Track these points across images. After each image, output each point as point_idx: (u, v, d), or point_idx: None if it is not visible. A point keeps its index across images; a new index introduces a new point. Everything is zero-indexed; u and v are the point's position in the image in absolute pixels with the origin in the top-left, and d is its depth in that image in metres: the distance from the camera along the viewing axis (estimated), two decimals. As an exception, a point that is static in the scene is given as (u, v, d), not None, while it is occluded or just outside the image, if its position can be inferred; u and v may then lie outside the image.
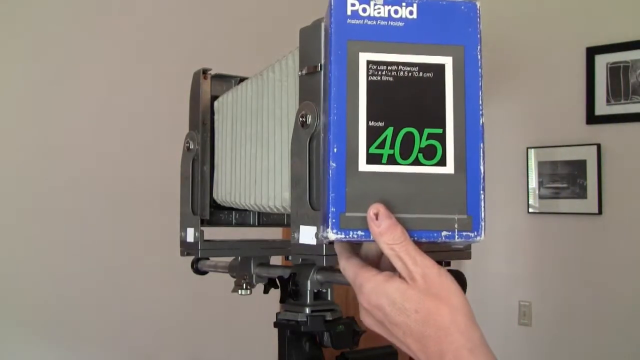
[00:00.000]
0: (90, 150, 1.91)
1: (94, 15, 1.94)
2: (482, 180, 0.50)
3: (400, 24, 0.53)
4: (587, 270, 2.88)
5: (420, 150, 0.50)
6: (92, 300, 1.88)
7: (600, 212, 2.86)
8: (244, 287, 1.07)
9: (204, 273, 1.16)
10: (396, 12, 0.53)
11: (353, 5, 0.54)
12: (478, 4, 0.53)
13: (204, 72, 1.07)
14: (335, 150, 0.51)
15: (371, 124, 0.51)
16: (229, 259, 1.11)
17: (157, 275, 2.00)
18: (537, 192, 3.08)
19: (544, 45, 3.08)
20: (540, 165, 3.07)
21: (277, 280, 1.01)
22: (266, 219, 1.12)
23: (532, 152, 3.08)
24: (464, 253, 0.93)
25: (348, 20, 0.54)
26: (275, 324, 0.98)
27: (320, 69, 0.78)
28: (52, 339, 1.82)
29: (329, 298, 0.99)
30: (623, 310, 2.79)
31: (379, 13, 0.54)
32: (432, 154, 0.50)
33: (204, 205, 1.04)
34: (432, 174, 0.50)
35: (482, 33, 0.53)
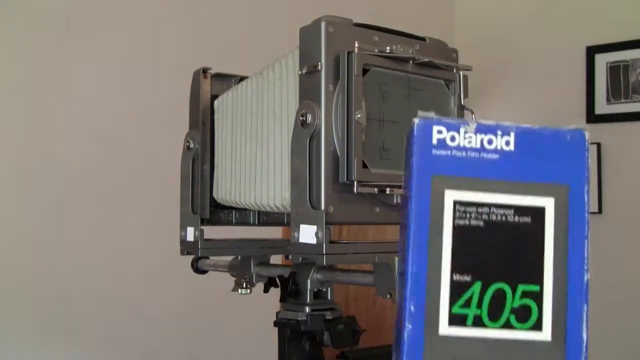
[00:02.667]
0: (90, 150, 1.91)
1: (94, 15, 1.94)
2: (584, 351, 0.43)
3: (495, 156, 0.44)
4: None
5: (513, 310, 0.42)
6: (92, 300, 1.88)
7: (600, 211, 2.86)
8: (244, 286, 1.07)
9: (204, 272, 1.16)
10: (490, 141, 0.44)
11: (440, 132, 0.44)
12: (587, 134, 0.45)
13: (204, 71, 1.07)
14: (412, 308, 0.42)
15: (456, 277, 0.43)
16: (229, 258, 1.11)
17: (157, 275, 2.00)
18: (537, 191, 3.08)
19: (544, 44, 3.08)
20: (540, 164, 3.06)
21: (277, 279, 1.01)
22: (266, 218, 1.13)
23: (532, 151, 3.08)
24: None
25: (433, 151, 0.44)
26: (275, 323, 0.98)
27: (320, 68, 0.78)
28: (52, 339, 1.82)
29: (329, 297, 0.99)
30: (623, 310, 2.79)
31: (469, 143, 0.44)
32: (526, 316, 0.42)
33: (204, 205, 1.04)
34: (525, 341, 0.42)
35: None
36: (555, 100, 3.05)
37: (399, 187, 0.81)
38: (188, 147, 1.05)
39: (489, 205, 0.44)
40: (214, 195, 1.05)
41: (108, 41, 1.97)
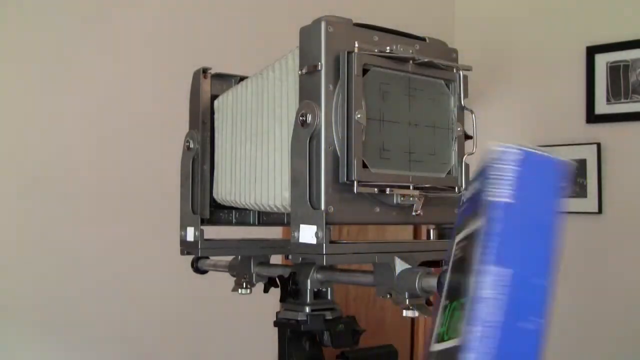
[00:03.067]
0: (90, 150, 1.91)
1: (94, 15, 1.94)
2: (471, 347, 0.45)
3: (474, 197, 0.52)
4: (587, 269, 2.88)
5: (455, 323, 0.48)
6: (92, 300, 1.88)
7: (600, 211, 2.86)
8: (244, 286, 1.07)
9: (204, 272, 1.16)
10: (474, 187, 0.52)
11: (464, 194, 0.55)
12: (503, 150, 0.45)
13: (204, 71, 1.07)
14: (431, 334, 0.54)
15: (444, 302, 0.52)
16: (229, 258, 1.11)
17: (157, 275, 2.00)
18: (537, 191, 3.08)
19: (544, 44, 3.08)
20: (540, 164, 3.06)
21: (277, 279, 1.01)
22: (266, 218, 1.13)
23: (532, 151, 3.08)
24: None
25: (460, 209, 0.56)
26: (275, 323, 0.98)
27: (320, 68, 0.78)
28: (52, 339, 1.82)
29: (329, 297, 0.99)
30: (623, 310, 2.79)
31: (469, 193, 0.53)
32: (457, 326, 0.47)
33: (204, 204, 1.05)
34: (452, 347, 0.48)
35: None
36: (555, 100, 3.05)
37: (399, 187, 0.81)
38: (188, 147, 1.05)
39: (460, 241, 0.52)
40: (214, 195, 1.05)
41: (108, 41, 1.97)
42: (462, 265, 0.49)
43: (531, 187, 0.45)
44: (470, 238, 0.49)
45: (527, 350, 0.43)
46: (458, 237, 0.52)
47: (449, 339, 0.48)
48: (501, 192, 0.45)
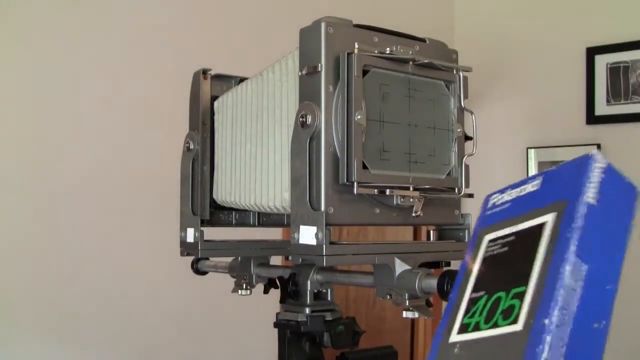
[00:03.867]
0: (90, 150, 1.91)
1: (94, 15, 1.94)
2: (546, 336, 0.45)
3: (524, 197, 0.55)
4: (587, 271, 2.88)
5: (502, 312, 0.49)
6: (92, 300, 1.88)
7: (600, 212, 2.86)
8: (244, 287, 1.07)
9: (204, 273, 1.16)
10: (524, 189, 0.55)
11: (494, 198, 0.58)
12: (595, 155, 0.50)
13: (204, 72, 1.07)
14: (440, 326, 0.54)
15: (473, 295, 0.53)
16: (229, 259, 1.11)
17: (157, 276, 2.00)
18: (537, 192, 3.08)
19: (544, 45, 3.08)
20: (541, 165, 3.07)
21: (277, 280, 1.01)
22: (266, 219, 1.13)
23: (532, 152, 3.08)
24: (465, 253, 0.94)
25: (487, 212, 0.57)
26: (275, 324, 0.98)
27: (320, 69, 0.78)
28: (52, 339, 1.82)
29: (329, 298, 0.99)
30: (622, 310, 2.79)
31: (510, 196, 0.56)
32: (509, 314, 0.48)
33: (204, 206, 1.05)
34: (504, 334, 0.48)
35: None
36: (555, 101, 3.05)
37: (399, 188, 0.81)
38: (188, 148, 1.05)
39: (507, 236, 0.53)
40: (214, 196, 1.05)
41: (108, 42, 1.97)
42: (516, 258, 0.51)
43: (611, 196, 0.49)
44: (529, 233, 0.51)
45: (594, 349, 0.45)
46: (492, 235, 0.55)
47: (492, 326, 0.49)
48: (588, 194, 0.48)
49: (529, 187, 0.54)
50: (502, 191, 0.57)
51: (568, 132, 2.99)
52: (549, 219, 0.50)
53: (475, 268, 0.54)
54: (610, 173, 0.49)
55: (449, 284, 0.74)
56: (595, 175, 0.49)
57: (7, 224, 1.75)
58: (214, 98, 1.07)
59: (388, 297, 0.81)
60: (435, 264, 0.86)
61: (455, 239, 0.91)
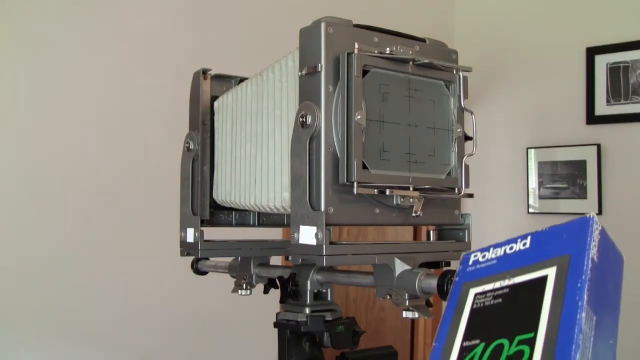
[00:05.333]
0: (90, 150, 1.91)
1: (94, 15, 1.94)
2: None
3: (513, 255, 0.57)
4: (587, 271, 2.88)
5: (508, 357, 0.50)
6: (92, 300, 1.88)
7: (600, 212, 2.86)
8: (244, 287, 1.07)
9: (204, 273, 1.16)
10: (511, 248, 0.58)
11: (475, 256, 0.60)
12: (593, 216, 0.53)
13: (204, 72, 1.07)
14: None
15: (466, 343, 0.54)
16: (229, 259, 1.11)
17: (157, 275, 2.00)
18: (537, 192, 3.08)
19: (544, 45, 3.08)
20: (540, 165, 3.06)
21: (277, 280, 1.01)
22: (266, 219, 1.13)
23: (532, 152, 3.08)
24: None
25: (468, 269, 0.60)
26: (275, 324, 0.98)
27: (320, 69, 0.78)
28: (52, 339, 1.82)
29: (328, 298, 0.99)
30: (622, 310, 2.79)
31: (495, 254, 0.59)
32: (520, 358, 0.49)
33: (204, 206, 1.05)
34: None
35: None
36: (555, 101, 3.05)
37: (399, 188, 0.81)
38: (188, 148, 1.05)
39: (501, 288, 0.55)
40: (214, 196, 1.05)
41: (108, 42, 1.97)
42: (516, 307, 0.53)
43: (607, 256, 0.54)
44: (527, 285, 0.53)
45: None
46: (479, 289, 0.57)
47: None
48: (592, 250, 0.52)
49: (518, 246, 0.57)
50: (483, 250, 0.60)
51: (568, 132, 2.99)
52: (550, 272, 0.52)
53: (464, 318, 0.56)
54: (603, 235, 0.54)
55: (449, 284, 0.74)
56: (595, 235, 0.53)
57: (8, 224, 1.75)
58: (214, 98, 1.07)
59: (388, 297, 0.81)
60: (435, 264, 0.86)
61: (455, 239, 0.91)
